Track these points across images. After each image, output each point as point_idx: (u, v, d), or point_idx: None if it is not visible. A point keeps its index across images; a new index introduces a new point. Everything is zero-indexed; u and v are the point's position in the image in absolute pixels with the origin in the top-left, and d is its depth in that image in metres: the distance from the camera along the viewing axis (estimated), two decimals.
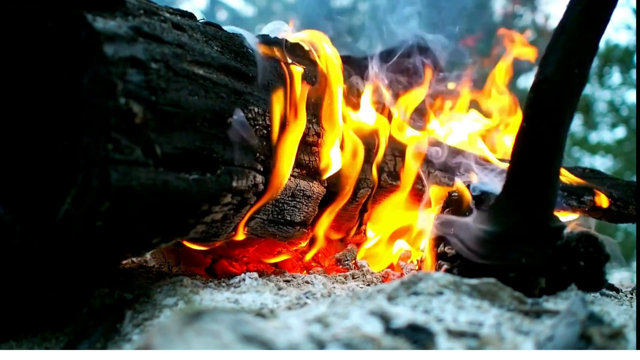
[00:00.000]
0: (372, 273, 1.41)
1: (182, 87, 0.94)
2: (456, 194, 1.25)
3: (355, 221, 1.57)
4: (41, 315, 1.02)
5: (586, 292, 0.95)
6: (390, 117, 1.64)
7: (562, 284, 0.94)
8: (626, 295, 1.38)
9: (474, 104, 2.00)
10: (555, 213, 1.01)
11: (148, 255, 1.51)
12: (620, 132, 8.42)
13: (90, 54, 0.84)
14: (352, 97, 1.57)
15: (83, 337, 0.94)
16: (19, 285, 0.98)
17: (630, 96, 8.21)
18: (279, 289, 1.12)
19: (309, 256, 1.48)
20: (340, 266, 1.50)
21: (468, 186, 1.24)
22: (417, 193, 1.61)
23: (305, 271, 1.46)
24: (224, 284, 1.18)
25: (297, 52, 1.41)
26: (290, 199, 1.30)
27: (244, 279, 1.20)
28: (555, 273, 0.95)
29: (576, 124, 8.41)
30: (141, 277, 1.29)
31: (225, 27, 1.23)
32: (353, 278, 1.36)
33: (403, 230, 1.66)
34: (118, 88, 0.83)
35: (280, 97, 1.22)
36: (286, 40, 1.38)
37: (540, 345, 0.68)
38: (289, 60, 1.31)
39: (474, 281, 0.85)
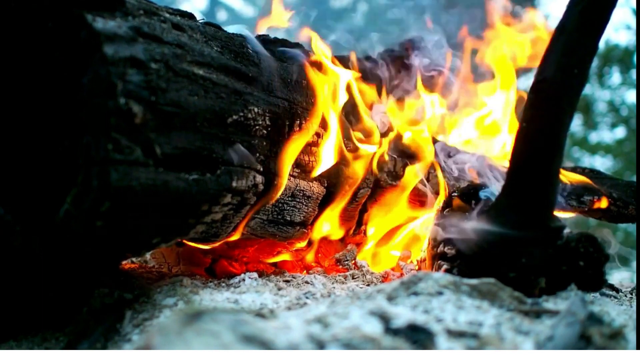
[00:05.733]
0: (372, 273, 1.41)
1: (182, 87, 0.94)
2: (456, 194, 1.25)
3: (354, 221, 1.57)
4: (41, 315, 1.02)
5: (586, 292, 0.95)
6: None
7: (562, 284, 0.94)
8: (626, 295, 1.38)
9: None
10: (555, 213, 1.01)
11: (148, 255, 1.51)
12: (620, 132, 8.43)
13: (90, 54, 0.84)
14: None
15: (83, 337, 0.94)
16: (19, 285, 0.98)
17: (630, 96, 8.22)
18: (279, 289, 1.12)
19: (309, 257, 1.48)
20: (340, 266, 1.50)
21: (471, 187, 1.24)
22: (417, 193, 1.62)
23: (305, 271, 1.46)
24: (223, 284, 1.18)
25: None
26: (290, 199, 1.30)
27: (243, 279, 1.20)
28: (555, 273, 0.95)
29: (576, 124, 8.41)
30: (141, 277, 1.29)
31: (231, 27, 1.23)
32: (353, 278, 1.36)
33: (401, 229, 1.66)
34: (118, 88, 0.83)
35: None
36: (285, 40, 1.38)
37: (540, 345, 0.68)
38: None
39: (473, 281, 0.85)
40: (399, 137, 1.63)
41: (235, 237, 1.22)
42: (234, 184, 1.05)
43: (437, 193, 1.61)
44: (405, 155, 1.62)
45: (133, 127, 0.84)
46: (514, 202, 1.00)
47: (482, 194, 1.18)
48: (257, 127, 1.13)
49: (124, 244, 0.97)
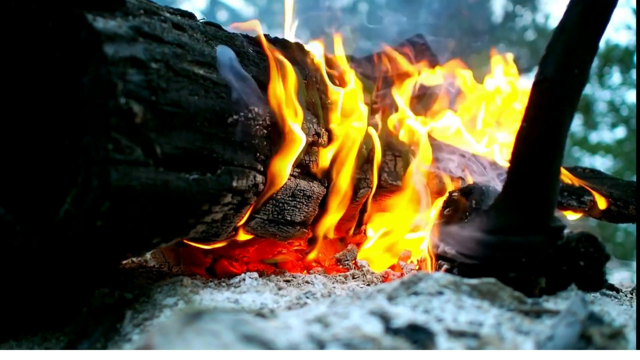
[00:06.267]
0: (372, 273, 1.41)
1: (183, 87, 0.94)
2: (456, 194, 1.25)
3: (355, 221, 1.57)
4: (41, 315, 1.02)
5: (586, 292, 0.95)
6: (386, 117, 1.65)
7: (562, 284, 0.94)
8: (626, 295, 1.38)
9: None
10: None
11: (148, 255, 1.51)
12: (620, 132, 8.42)
13: (90, 54, 0.84)
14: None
15: (83, 337, 0.94)
16: (19, 285, 0.98)
17: (630, 96, 8.22)
18: (279, 288, 1.12)
19: (311, 256, 1.48)
20: (340, 266, 1.50)
21: (471, 187, 1.24)
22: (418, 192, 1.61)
23: (305, 271, 1.46)
24: (224, 284, 1.18)
25: (298, 51, 1.41)
26: (290, 199, 1.30)
27: (244, 279, 1.20)
28: (556, 273, 0.95)
29: (576, 124, 8.41)
30: (141, 277, 1.29)
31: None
32: (353, 278, 1.36)
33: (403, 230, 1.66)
34: (118, 88, 0.83)
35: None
36: (286, 40, 1.38)
37: (540, 345, 0.68)
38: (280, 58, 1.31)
39: (474, 281, 0.85)
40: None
41: (244, 237, 1.23)
42: (234, 184, 1.05)
43: (437, 193, 1.60)
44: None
45: (133, 127, 0.84)
46: (514, 202, 1.00)
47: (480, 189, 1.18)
48: (257, 127, 1.13)
49: (124, 244, 0.97)
